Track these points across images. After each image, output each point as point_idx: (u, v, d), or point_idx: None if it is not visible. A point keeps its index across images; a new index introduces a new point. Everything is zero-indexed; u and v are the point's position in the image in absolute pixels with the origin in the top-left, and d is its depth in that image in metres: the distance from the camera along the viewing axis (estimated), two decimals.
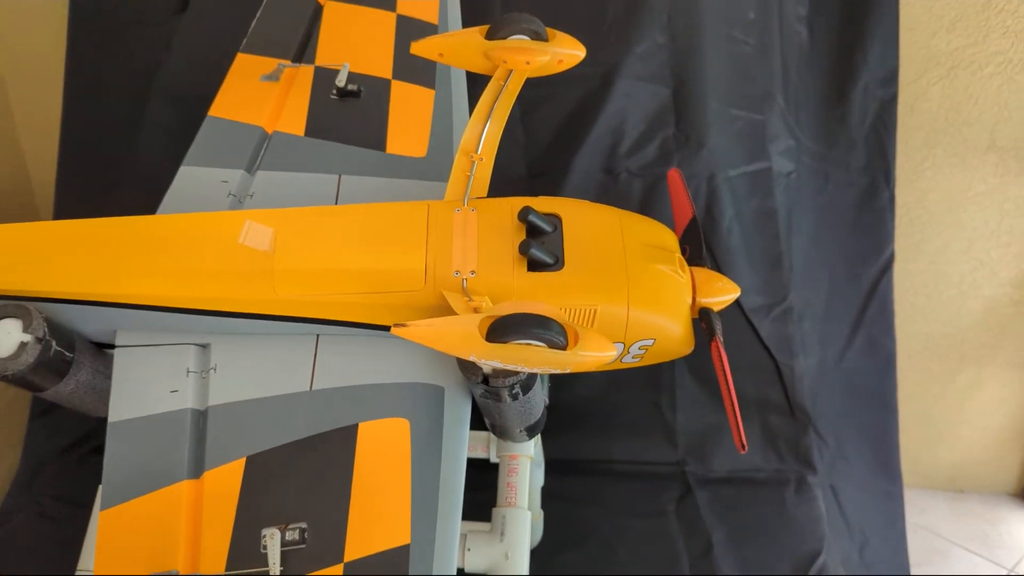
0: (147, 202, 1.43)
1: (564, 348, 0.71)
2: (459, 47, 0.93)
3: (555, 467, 1.33)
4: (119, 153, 1.53)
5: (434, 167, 1.00)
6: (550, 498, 1.27)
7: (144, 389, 0.84)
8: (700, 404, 1.46)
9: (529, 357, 0.70)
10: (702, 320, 0.88)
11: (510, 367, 0.73)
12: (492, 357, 0.71)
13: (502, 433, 0.94)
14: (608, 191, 1.41)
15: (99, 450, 1.37)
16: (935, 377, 2.22)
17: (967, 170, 1.92)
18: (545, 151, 1.41)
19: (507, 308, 0.72)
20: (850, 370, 1.64)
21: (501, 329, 0.71)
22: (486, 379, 0.77)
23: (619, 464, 1.43)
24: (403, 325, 0.72)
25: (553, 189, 1.41)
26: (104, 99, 1.59)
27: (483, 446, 1.19)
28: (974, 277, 2.06)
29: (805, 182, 1.62)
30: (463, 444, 0.82)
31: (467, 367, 0.77)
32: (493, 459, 1.17)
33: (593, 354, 0.71)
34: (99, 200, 1.52)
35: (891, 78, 1.69)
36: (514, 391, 0.78)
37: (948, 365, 2.22)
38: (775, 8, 1.54)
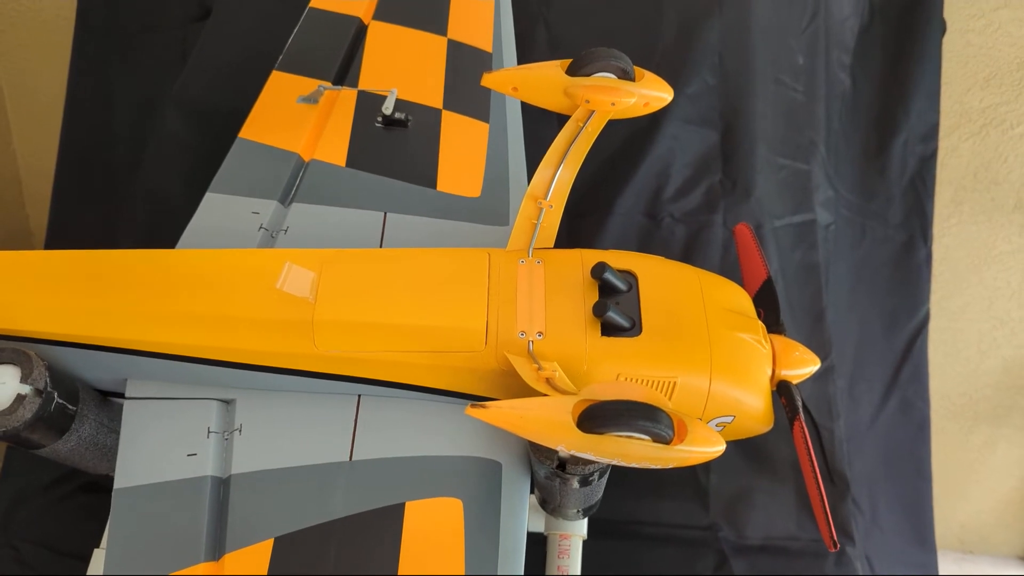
0: (153, 222, 1.33)
1: (670, 443, 0.61)
2: (537, 82, 0.86)
3: None
4: (123, 168, 1.43)
5: (489, 209, 0.91)
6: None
7: (157, 451, 0.74)
8: (735, 465, 1.37)
9: (629, 452, 0.61)
10: (781, 395, 0.80)
11: (602, 460, 0.63)
12: (585, 449, 0.61)
13: (555, 511, 0.84)
14: (650, 236, 1.34)
15: (88, 488, 1.25)
16: (949, 436, 2.17)
17: (993, 228, 1.90)
18: (585, 190, 1.33)
19: (602, 391, 0.62)
20: (883, 433, 1.57)
21: (600, 418, 0.62)
22: (562, 464, 0.67)
23: (648, 527, 1.33)
24: (481, 405, 0.62)
25: (592, 231, 1.33)
26: (109, 110, 1.49)
27: None
28: (994, 336, 2.02)
29: (842, 234, 1.57)
30: (522, 529, 0.72)
31: (541, 450, 0.67)
32: (531, 528, 1.07)
33: (702, 450, 0.62)
34: (99, 219, 1.41)
35: (931, 134, 1.66)
36: (589, 479, 0.69)
37: (962, 424, 2.18)
38: (822, 54, 1.50)
